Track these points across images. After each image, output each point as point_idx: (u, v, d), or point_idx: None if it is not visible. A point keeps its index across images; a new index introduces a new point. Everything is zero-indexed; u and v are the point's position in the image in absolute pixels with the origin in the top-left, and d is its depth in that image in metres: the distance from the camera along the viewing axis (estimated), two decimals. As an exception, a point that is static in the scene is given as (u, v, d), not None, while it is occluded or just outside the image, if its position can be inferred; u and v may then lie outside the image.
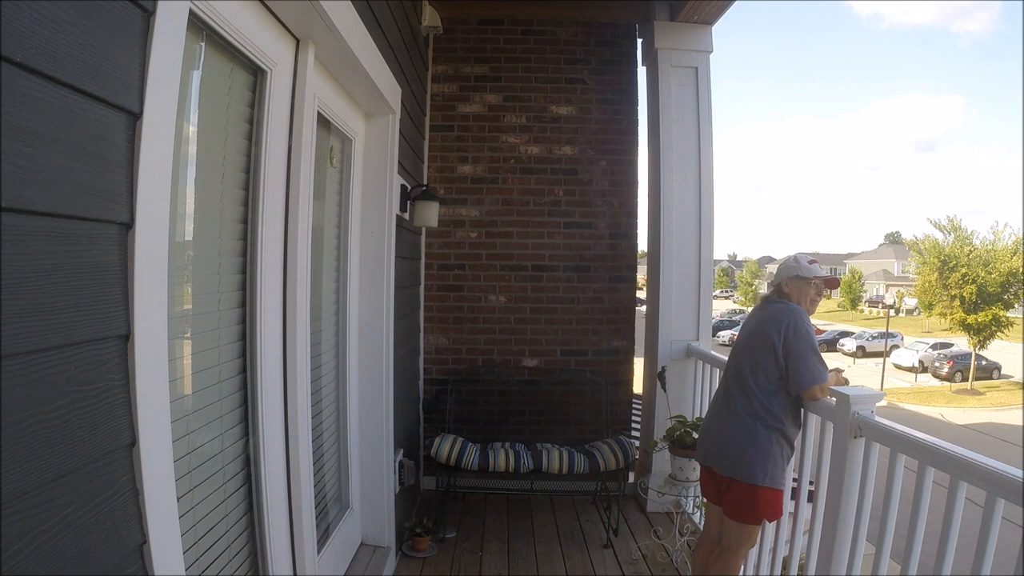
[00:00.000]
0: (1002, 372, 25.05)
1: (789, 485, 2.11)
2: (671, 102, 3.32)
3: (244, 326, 1.50)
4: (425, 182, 3.50)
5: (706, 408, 3.05)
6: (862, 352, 30.28)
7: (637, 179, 3.67)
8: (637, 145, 3.67)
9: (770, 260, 71.45)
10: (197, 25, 1.18)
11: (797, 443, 2.14)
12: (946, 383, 24.33)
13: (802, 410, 2.06)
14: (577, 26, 3.65)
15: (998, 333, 23.48)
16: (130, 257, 0.85)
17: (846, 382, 2.12)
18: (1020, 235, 24.35)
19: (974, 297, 23.66)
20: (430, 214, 2.90)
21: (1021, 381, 23.42)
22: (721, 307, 50.27)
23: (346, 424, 2.38)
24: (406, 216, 2.81)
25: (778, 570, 2.26)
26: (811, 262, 2.12)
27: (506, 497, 3.53)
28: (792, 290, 2.10)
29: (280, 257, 1.62)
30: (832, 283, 2.15)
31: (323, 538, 2.09)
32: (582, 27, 3.65)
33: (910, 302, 41.16)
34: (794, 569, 2.10)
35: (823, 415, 1.94)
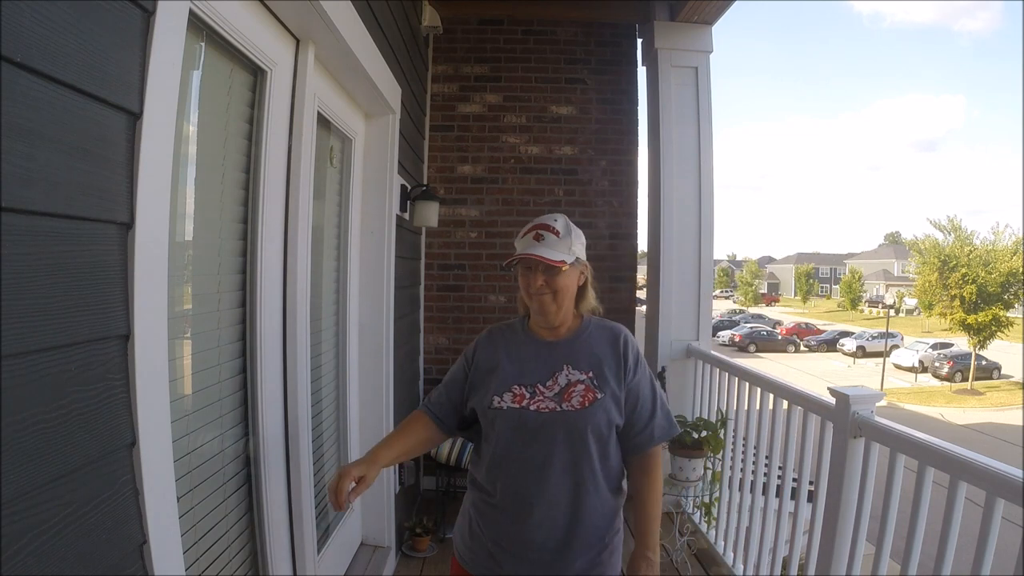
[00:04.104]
0: (1002, 372, 25.05)
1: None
2: (671, 102, 3.32)
3: (244, 326, 1.50)
4: (425, 182, 3.50)
5: (707, 408, 3.05)
6: (862, 352, 30.30)
7: (637, 179, 3.67)
8: (637, 145, 3.67)
9: (770, 260, 71.51)
10: (197, 25, 1.18)
11: (797, 442, 2.14)
12: (946, 383, 24.34)
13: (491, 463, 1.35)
14: (577, 26, 3.65)
15: (998, 333, 23.49)
16: (130, 257, 0.85)
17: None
18: (1020, 235, 24.40)
19: (974, 297, 23.67)
20: (430, 214, 2.90)
21: (1021, 381, 23.41)
22: (721, 307, 50.30)
23: (346, 424, 2.38)
24: (406, 216, 2.82)
25: (778, 570, 2.26)
26: (528, 231, 1.36)
27: (506, 497, 3.52)
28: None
29: (280, 257, 1.63)
30: (525, 263, 1.34)
31: (323, 538, 2.09)
32: (582, 27, 3.65)
33: (910, 302, 41.19)
34: (794, 569, 2.10)
35: (823, 415, 1.94)
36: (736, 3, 3.10)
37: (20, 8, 0.64)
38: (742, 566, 2.45)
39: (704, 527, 2.89)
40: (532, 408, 1.30)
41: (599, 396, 1.31)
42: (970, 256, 24.53)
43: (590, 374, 1.33)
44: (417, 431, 1.41)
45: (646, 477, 1.38)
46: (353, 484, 1.21)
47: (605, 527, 1.34)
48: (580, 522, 1.30)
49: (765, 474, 2.37)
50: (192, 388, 1.29)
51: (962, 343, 26.24)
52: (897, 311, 44.33)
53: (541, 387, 1.32)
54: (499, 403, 1.31)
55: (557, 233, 1.33)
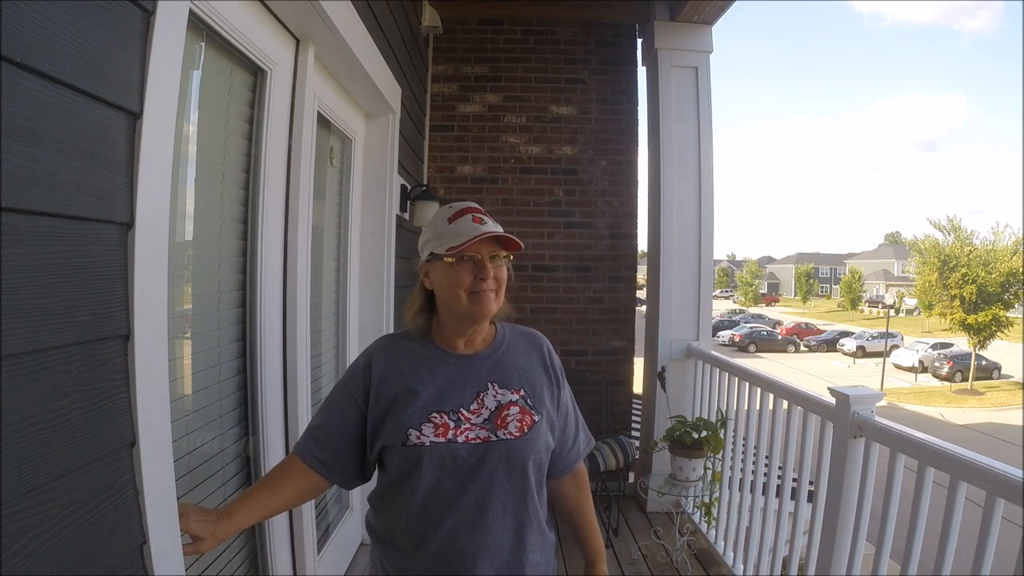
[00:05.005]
0: (1002, 372, 25.06)
1: None
2: (671, 102, 3.32)
3: (244, 326, 1.50)
4: (425, 182, 3.50)
5: (707, 408, 3.05)
6: (862, 352, 30.31)
7: (637, 179, 3.67)
8: (637, 145, 3.67)
9: (770, 260, 71.50)
10: (197, 25, 1.18)
11: (797, 442, 2.13)
12: (946, 383, 24.34)
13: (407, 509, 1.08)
14: (577, 26, 3.65)
15: (998, 333, 23.52)
16: (130, 257, 0.85)
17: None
18: (1020, 235, 24.43)
19: (974, 297, 23.69)
20: (430, 214, 2.90)
21: (1021, 381, 23.42)
22: (721, 307, 50.32)
23: (346, 424, 2.38)
24: (406, 216, 2.82)
25: (778, 570, 2.26)
26: (458, 214, 1.08)
27: (506, 497, 3.51)
28: (432, 282, 1.12)
29: (280, 257, 1.63)
30: (463, 253, 1.04)
31: (323, 538, 2.08)
32: (582, 27, 3.65)
33: (910, 302, 41.21)
34: (794, 569, 2.10)
35: (823, 415, 1.94)
36: (736, 3, 3.10)
37: (20, 8, 0.64)
38: (742, 566, 2.45)
39: (704, 527, 2.89)
40: (460, 440, 1.05)
41: (536, 419, 1.10)
42: (970, 256, 24.56)
43: (522, 392, 1.11)
44: (294, 483, 1.09)
45: (582, 493, 1.25)
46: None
47: (546, 565, 1.16)
48: (524, 568, 1.10)
49: (765, 474, 2.37)
50: (192, 388, 1.29)
51: (962, 343, 26.25)
52: (897, 311, 44.35)
53: (465, 412, 1.07)
54: (419, 438, 1.04)
55: (490, 217, 1.09)
